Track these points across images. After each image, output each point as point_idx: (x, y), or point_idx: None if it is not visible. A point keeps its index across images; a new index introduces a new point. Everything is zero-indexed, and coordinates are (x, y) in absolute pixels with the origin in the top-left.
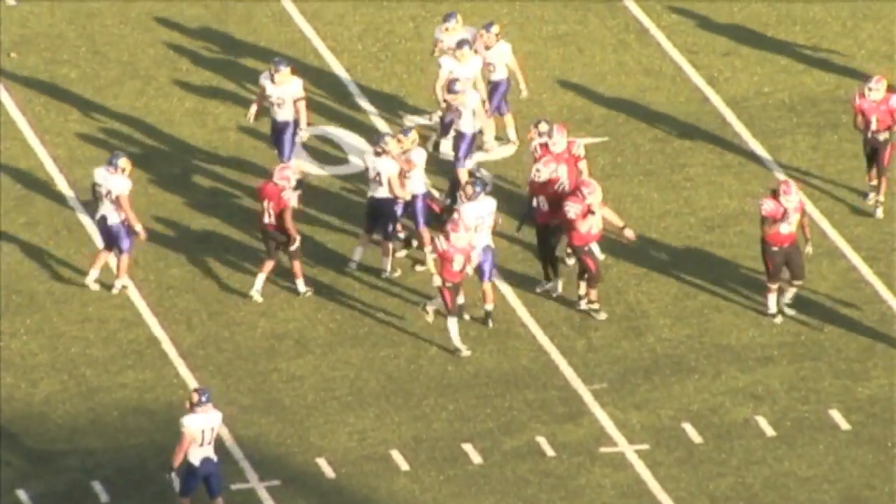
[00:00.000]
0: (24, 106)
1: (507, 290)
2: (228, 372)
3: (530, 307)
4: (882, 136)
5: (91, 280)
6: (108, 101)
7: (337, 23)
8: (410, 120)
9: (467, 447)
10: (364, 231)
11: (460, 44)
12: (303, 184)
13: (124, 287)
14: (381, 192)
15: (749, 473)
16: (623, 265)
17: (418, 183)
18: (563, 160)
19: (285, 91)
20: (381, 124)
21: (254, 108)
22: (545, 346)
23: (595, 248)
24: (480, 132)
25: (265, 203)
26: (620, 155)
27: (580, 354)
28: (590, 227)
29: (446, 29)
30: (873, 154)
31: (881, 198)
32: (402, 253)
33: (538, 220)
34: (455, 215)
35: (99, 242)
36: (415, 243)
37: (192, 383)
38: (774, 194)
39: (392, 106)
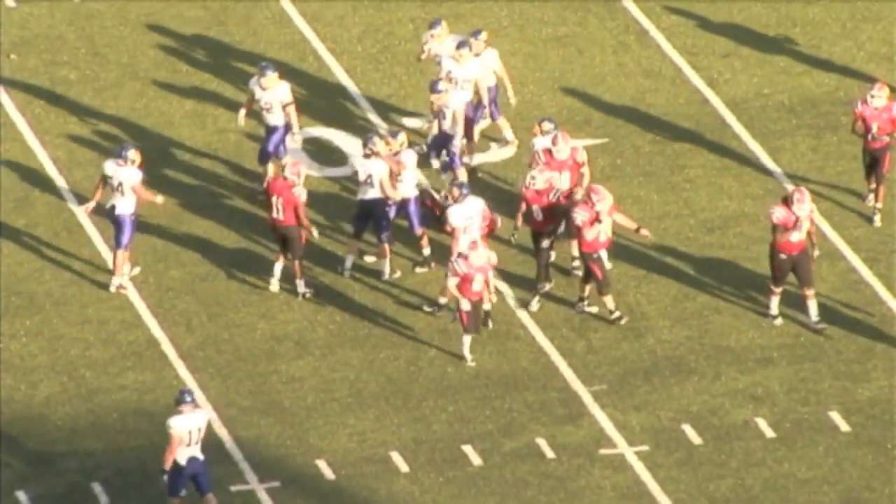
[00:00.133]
0: (23, 107)
1: (506, 291)
2: (228, 373)
3: (530, 309)
4: (881, 143)
5: (128, 273)
6: (107, 102)
7: (336, 24)
8: (412, 121)
9: (467, 449)
10: (352, 236)
11: (460, 45)
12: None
13: (120, 287)
14: (372, 194)
15: (749, 475)
16: (623, 267)
17: (410, 185)
18: (567, 167)
19: (273, 96)
20: (380, 126)
21: (242, 112)
22: (545, 348)
23: (604, 255)
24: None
25: (274, 199)
26: (620, 156)
27: (580, 356)
28: (597, 234)
29: (432, 35)
30: (873, 163)
31: (879, 205)
32: (422, 269)
33: (532, 226)
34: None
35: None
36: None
37: (192, 385)
38: (786, 202)
39: (391, 107)
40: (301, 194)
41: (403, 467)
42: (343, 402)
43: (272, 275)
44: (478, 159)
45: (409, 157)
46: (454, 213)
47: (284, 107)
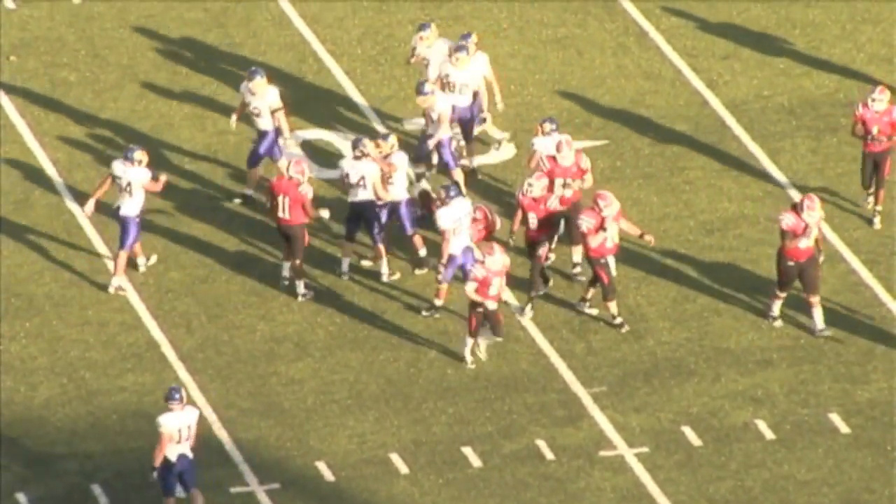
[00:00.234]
0: (23, 109)
1: (506, 294)
2: (228, 375)
3: (524, 315)
4: (882, 147)
5: (142, 266)
6: (107, 104)
7: (336, 26)
8: (412, 123)
9: (467, 450)
10: (346, 239)
11: (458, 49)
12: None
13: (119, 288)
14: (363, 196)
15: (748, 477)
16: (622, 269)
17: (401, 188)
18: (572, 174)
19: (261, 100)
20: (380, 127)
21: (234, 117)
22: (545, 350)
23: (611, 261)
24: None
25: (280, 198)
26: (620, 158)
27: (580, 358)
28: (603, 240)
29: (421, 38)
30: (874, 167)
31: (879, 207)
32: (421, 270)
33: (527, 235)
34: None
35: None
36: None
37: (192, 386)
38: (795, 208)
39: (391, 109)
40: (308, 192)
41: (403, 469)
42: (343, 404)
43: (282, 275)
44: (477, 161)
45: (400, 160)
46: (442, 215)
47: (273, 112)
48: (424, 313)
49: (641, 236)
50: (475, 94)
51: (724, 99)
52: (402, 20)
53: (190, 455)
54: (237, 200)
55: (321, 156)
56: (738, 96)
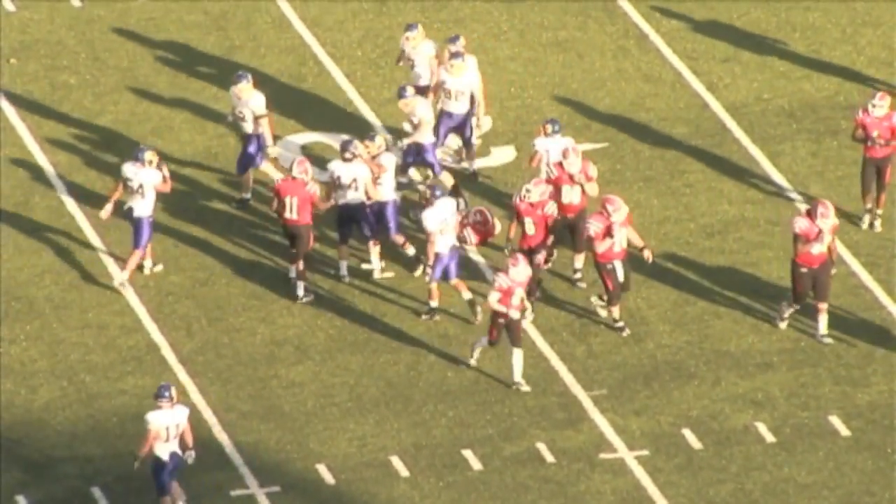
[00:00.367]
0: (23, 112)
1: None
2: (228, 378)
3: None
4: (884, 153)
5: (147, 269)
6: (107, 107)
7: (336, 29)
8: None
9: (467, 453)
10: (340, 243)
11: (454, 55)
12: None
13: (123, 284)
14: (353, 198)
15: (749, 480)
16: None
17: (389, 188)
18: (576, 182)
19: (245, 105)
20: (380, 130)
21: (230, 118)
22: (545, 353)
23: (618, 266)
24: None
25: (288, 199)
26: (620, 161)
27: (580, 360)
28: (610, 245)
29: (407, 38)
30: (877, 174)
31: (880, 210)
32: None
33: (521, 244)
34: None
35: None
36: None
37: (192, 389)
38: (809, 213)
39: (391, 112)
40: (315, 190)
41: (403, 472)
42: (343, 407)
43: (290, 277)
44: (478, 164)
45: (388, 160)
46: (429, 216)
47: (256, 118)
48: (423, 317)
49: (641, 250)
50: (472, 100)
51: (724, 102)
52: (402, 23)
53: (180, 452)
54: (234, 205)
55: (321, 159)
56: (739, 99)
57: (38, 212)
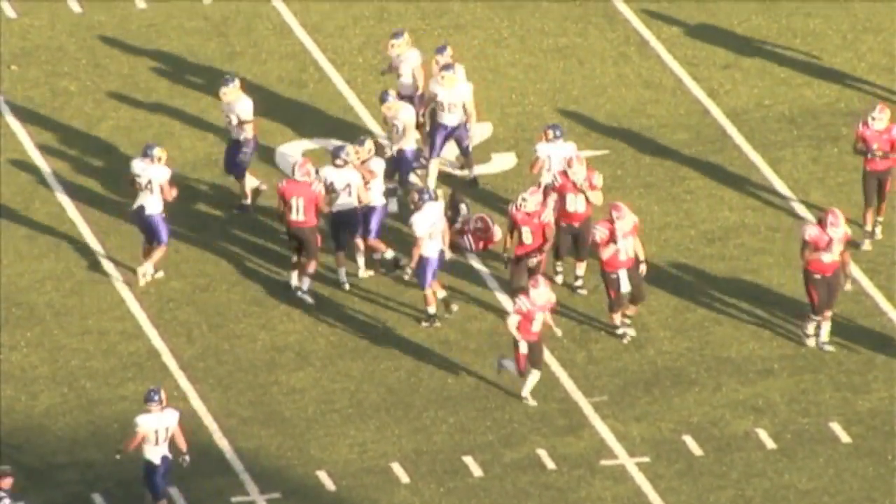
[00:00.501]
0: (24, 118)
1: (507, 303)
2: (229, 384)
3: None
4: (884, 165)
5: (141, 274)
6: (108, 113)
7: (337, 35)
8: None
9: (468, 459)
10: (337, 250)
11: (446, 67)
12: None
13: (154, 275)
14: (345, 203)
15: (749, 486)
16: None
17: (377, 193)
18: (580, 191)
19: (230, 108)
20: (378, 136)
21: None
22: (545, 359)
23: (623, 276)
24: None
25: (293, 200)
26: (621, 168)
27: (580, 367)
28: (615, 252)
29: (392, 45)
30: (878, 187)
31: (880, 218)
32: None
33: (515, 252)
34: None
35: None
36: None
37: (193, 395)
38: (820, 222)
39: None
40: (320, 189)
41: (404, 478)
42: (343, 413)
43: (293, 285)
44: (478, 170)
45: (378, 166)
46: (417, 221)
47: (241, 123)
48: (424, 324)
49: (639, 263)
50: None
51: (724, 108)
52: (402, 29)
53: (170, 455)
54: (235, 211)
55: (322, 164)
56: (739, 105)
57: (39, 217)
